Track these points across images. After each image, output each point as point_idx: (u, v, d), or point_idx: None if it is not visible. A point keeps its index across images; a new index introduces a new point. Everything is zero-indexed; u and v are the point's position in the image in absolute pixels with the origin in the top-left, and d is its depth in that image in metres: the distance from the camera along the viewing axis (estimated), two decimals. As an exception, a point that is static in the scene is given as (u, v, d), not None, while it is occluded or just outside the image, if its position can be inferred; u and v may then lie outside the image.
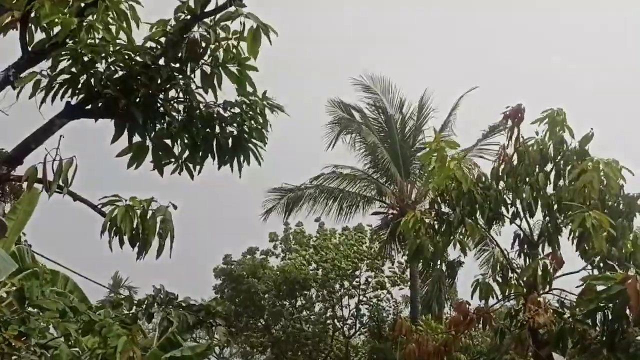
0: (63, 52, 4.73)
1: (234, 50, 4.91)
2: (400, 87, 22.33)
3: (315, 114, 22.48)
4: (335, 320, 24.50)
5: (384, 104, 22.20)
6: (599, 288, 6.97)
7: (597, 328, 7.22)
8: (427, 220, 8.90)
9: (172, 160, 5.27)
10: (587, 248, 8.37)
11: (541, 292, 8.06)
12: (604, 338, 7.09)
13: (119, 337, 5.13)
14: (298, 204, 21.82)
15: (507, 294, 9.02)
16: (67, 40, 4.67)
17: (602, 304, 6.88)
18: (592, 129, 8.77)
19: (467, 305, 8.26)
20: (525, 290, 8.51)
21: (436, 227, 8.96)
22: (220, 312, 7.00)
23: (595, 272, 8.35)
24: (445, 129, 21.04)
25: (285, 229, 25.21)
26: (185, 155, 5.38)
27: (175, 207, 4.62)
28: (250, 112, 5.29)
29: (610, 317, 6.93)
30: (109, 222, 4.39)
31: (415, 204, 19.67)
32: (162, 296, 6.52)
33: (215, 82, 5.01)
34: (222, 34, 4.85)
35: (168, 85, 5.09)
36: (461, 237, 8.79)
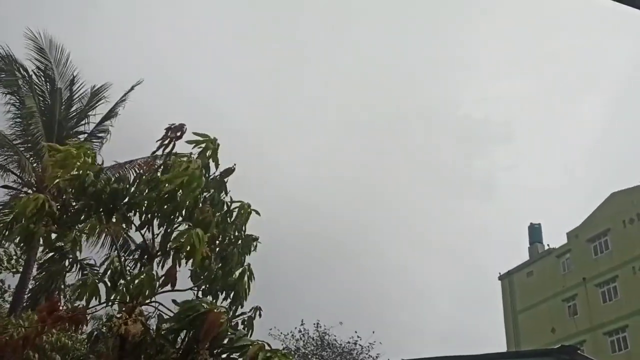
0: None
1: None
2: (77, 63, 20.74)
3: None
4: None
5: (54, 73, 20.11)
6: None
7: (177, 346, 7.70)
8: (49, 208, 8.18)
9: None
10: (197, 271, 8.99)
11: (142, 302, 8.20)
12: (179, 356, 7.57)
13: None
14: None
15: (112, 299, 8.87)
16: None
17: (186, 325, 7.39)
18: (235, 164, 9.60)
19: (61, 303, 7.80)
20: (129, 298, 8.51)
21: (57, 216, 8.32)
22: None
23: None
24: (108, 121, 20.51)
25: None
26: None
27: None
28: None
29: (189, 338, 7.48)
30: None
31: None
32: None
33: None
34: None
35: None
36: (79, 233, 8.36)
